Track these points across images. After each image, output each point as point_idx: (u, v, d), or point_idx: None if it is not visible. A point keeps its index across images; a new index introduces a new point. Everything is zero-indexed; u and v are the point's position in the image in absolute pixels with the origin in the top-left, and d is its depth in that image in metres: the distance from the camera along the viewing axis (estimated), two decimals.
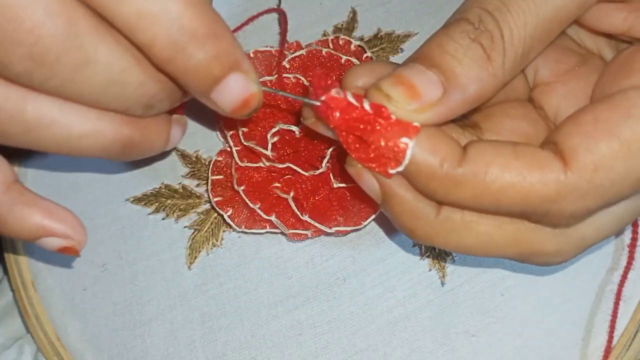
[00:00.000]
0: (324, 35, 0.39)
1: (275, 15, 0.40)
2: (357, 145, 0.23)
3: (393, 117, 0.22)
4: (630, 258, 0.33)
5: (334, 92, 0.23)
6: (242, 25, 0.39)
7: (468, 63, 0.23)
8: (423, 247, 0.34)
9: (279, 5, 0.40)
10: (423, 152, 0.22)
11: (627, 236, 0.34)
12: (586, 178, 0.22)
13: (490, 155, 0.23)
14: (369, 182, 0.24)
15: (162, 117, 0.27)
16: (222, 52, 0.22)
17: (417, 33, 0.39)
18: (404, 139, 0.22)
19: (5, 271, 0.38)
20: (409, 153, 0.22)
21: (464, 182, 0.23)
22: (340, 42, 0.36)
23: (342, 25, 0.39)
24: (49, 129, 0.23)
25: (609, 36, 0.28)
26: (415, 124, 0.23)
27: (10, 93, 0.22)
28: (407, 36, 0.39)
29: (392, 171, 0.23)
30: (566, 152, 0.23)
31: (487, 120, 0.28)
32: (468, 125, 0.28)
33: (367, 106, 0.23)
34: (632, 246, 0.33)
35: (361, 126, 0.23)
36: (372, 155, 0.23)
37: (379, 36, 0.39)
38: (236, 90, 0.23)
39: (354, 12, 0.40)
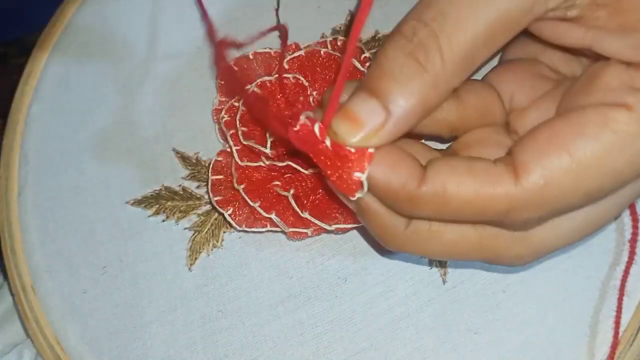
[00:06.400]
0: (322, 37, 0.39)
1: (273, 20, 0.40)
2: (327, 169, 0.25)
3: (352, 149, 0.24)
4: (632, 253, 0.33)
5: (303, 118, 0.25)
6: (250, 41, 0.38)
7: (404, 80, 0.23)
8: None
9: (277, 9, 0.40)
10: (384, 178, 0.24)
11: (627, 231, 0.34)
12: (535, 192, 0.23)
13: (446, 175, 0.24)
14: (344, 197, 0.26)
15: None
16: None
17: None
18: (357, 174, 0.24)
19: (5, 277, 0.38)
20: (364, 184, 0.24)
21: (424, 202, 0.24)
22: (339, 44, 0.37)
23: (340, 27, 0.40)
24: None
25: (577, 52, 0.28)
26: (370, 150, 0.24)
27: None
28: None
29: (356, 197, 0.25)
30: (519, 166, 0.24)
31: (465, 150, 0.29)
32: (448, 154, 0.29)
33: (327, 143, 0.24)
34: (633, 241, 0.33)
35: (325, 160, 0.25)
36: (337, 181, 0.25)
37: (376, 38, 0.39)
38: None
39: (351, 15, 0.40)
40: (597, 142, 0.23)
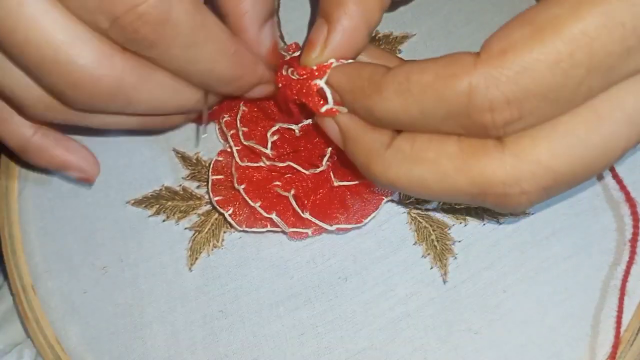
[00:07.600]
0: None
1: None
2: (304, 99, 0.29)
3: (314, 66, 0.28)
4: (632, 253, 0.33)
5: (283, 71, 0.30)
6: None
7: None
8: (424, 245, 0.34)
9: (277, 9, 0.40)
10: (348, 76, 0.26)
11: (628, 231, 0.34)
12: (494, 64, 0.21)
13: (411, 65, 0.24)
14: (331, 126, 0.28)
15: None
16: (244, 83, 0.30)
17: (415, 34, 0.39)
18: (316, 81, 0.28)
19: (6, 277, 0.38)
20: (326, 89, 0.27)
21: (389, 92, 0.24)
22: None
23: None
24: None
25: None
26: (331, 61, 0.28)
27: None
28: (405, 37, 0.39)
29: (324, 108, 0.28)
30: (481, 48, 0.22)
31: None
32: None
33: (295, 76, 0.29)
34: (634, 241, 0.33)
35: (304, 95, 0.28)
36: (308, 100, 0.28)
37: (377, 38, 0.39)
38: (257, 93, 0.31)
39: None
40: (562, 7, 0.21)
